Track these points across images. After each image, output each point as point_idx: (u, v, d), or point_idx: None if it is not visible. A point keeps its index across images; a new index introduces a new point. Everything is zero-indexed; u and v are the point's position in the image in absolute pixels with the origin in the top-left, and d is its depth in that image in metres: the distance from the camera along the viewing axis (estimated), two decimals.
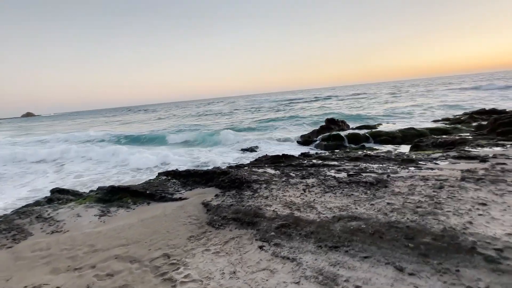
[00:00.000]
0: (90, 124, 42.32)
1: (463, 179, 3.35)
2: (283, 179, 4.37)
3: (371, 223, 2.40)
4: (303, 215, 2.79)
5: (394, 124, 16.55)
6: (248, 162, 8.03)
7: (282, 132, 18.26)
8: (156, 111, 67.60)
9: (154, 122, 34.99)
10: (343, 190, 3.53)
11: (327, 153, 8.03)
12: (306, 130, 17.34)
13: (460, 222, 2.27)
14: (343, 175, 4.47)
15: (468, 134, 9.31)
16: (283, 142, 15.22)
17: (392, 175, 4.01)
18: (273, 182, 4.23)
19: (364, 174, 4.33)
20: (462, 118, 14.01)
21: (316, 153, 9.73)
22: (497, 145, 6.33)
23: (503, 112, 14.16)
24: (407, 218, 2.34)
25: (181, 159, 11.84)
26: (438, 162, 5.00)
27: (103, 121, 47.83)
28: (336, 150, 10.14)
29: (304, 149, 12.94)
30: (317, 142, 13.74)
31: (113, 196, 5.57)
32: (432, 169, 4.39)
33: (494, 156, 5.07)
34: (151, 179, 6.70)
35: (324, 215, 2.69)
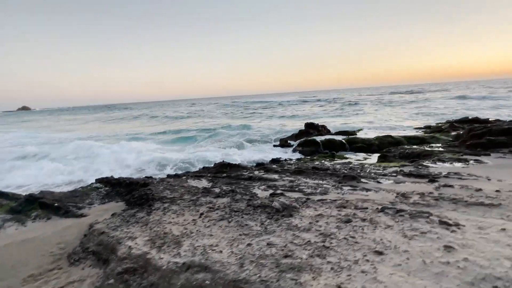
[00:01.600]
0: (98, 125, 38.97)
1: (382, 210, 2.72)
2: (195, 197, 3.72)
3: (216, 279, 1.77)
4: (156, 257, 2.15)
5: (376, 130, 16.00)
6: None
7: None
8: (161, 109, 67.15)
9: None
10: (243, 217, 2.89)
11: (282, 162, 7.39)
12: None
13: (329, 284, 1.64)
14: (265, 194, 3.84)
15: (440, 145, 8.73)
16: (262, 145, 14.60)
17: (312, 197, 3.39)
18: (179, 201, 3.59)
19: (288, 194, 3.71)
20: (443, 127, 13.47)
21: (285, 159, 9.11)
22: (459, 160, 5.73)
23: (485, 121, 13.66)
24: (259, 276, 1.71)
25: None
26: (382, 180, 4.39)
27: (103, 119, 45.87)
28: (303, 157, 9.50)
29: (278, 153, 12.33)
30: (294, 146, 13.16)
31: (25, 207, 4.91)
32: (367, 190, 3.77)
33: (447, 175, 4.46)
34: (82, 187, 6.05)
35: (175, 261, 2.05)
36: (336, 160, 8.35)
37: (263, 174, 5.20)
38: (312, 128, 15.38)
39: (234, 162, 7.49)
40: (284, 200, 3.00)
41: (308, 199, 3.32)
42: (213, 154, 10.82)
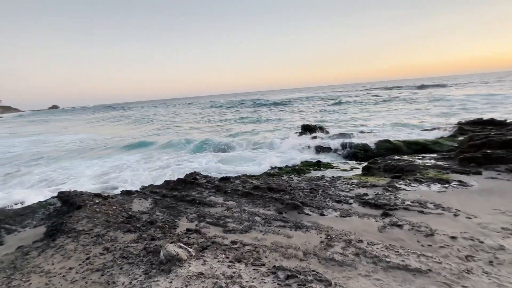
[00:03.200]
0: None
1: (275, 272, 2.18)
2: (105, 231, 3.35)
3: None
4: None
5: (379, 132, 14.90)
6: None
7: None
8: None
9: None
10: (122, 268, 2.47)
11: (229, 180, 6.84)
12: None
13: None
14: (184, 227, 3.39)
15: (436, 155, 7.74)
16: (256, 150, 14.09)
17: (228, 236, 2.89)
18: (83, 236, 3.22)
19: (204, 230, 3.23)
20: (449, 130, 12.18)
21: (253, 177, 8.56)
22: (440, 181, 4.90)
23: (501, 123, 12.22)
24: None
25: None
26: (329, 211, 3.76)
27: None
28: (276, 168, 8.85)
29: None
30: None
31: None
32: (298, 228, 3.18)
33: (407, 207, 3.74)
34: (40, 201, 5.92)
35: None
36: (312, 173, 7.69)
37: (211, 195, 4.73)
38: (308, 130, 14.62)
39: (205, 173, 7.10)
40: (173, 248, 2.54)
41: (214, 242, 2.82)
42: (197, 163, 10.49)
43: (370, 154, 10.65)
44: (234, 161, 10.02)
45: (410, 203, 3.89)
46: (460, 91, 38.72)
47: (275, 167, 9.10)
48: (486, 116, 13.41)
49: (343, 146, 11.46)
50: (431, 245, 2.68)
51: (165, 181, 6.35)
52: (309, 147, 11.77)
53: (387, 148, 10.78)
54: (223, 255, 2.53)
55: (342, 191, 4.97)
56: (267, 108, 37.12)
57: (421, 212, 3.57)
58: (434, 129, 13.48)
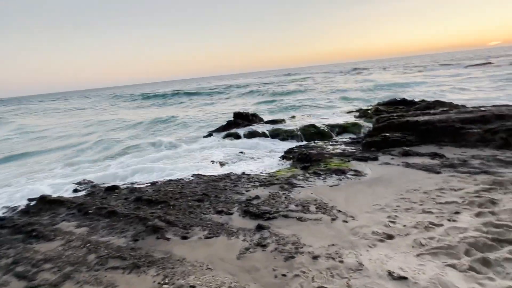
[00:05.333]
0: None
1: None
2: None
3: None
4: None
5: (309, 116, 15.01)
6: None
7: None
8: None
9: None
10: None
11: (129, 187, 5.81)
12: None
13: None
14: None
15: (348, 139, 7.78)
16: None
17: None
18: None
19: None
20: (369, 111, 12.76)
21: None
22: (337, 172, 4.63)
23: (411, 103, 13.17)
24: None
25: None
26: (192, 233, 3.06)
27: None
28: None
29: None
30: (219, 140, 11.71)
31: None
32: (132, 270, 2.41)
33: (287, 214, 3.26)
34: None
35: None
36: (230, 166, 7.04)
37: (64, 220, 3.64)
38: (241, 118, 13.90)
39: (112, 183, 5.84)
40: None
41: None
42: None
43: (298, 140, 10.51)
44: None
45: (294, 206, 3.42)
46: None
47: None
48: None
49: (272, 132, 11.12)
50: (285, 275, 2.16)
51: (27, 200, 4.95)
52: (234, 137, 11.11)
53: (312, 133, 10.69)
54: None
55: (238, 193, 4.35)
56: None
57: (300, 219, 3.10)
58: (357, 110, 14.04)
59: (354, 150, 6.31)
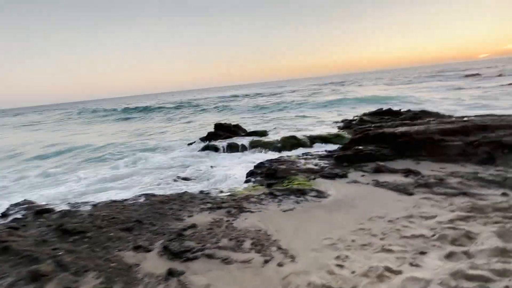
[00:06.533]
0: None
1: None
2: None
3: None
4: None
5: (294, 127, 14.44)
6: None
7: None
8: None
9: None
10: None
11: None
12: None
13: None
14: None
15: (325, 152, 7.16)
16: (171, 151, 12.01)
17: None
18: None
19: None
20: (353, 122, 12.24)
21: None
22: (297, 193, 3.97)
23: (397, 113, 12.67)
24: None
25: None
26: None
27: None
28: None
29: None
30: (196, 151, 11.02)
31: None
32: None
33: (212, 254, 2.57)
34: None
35: None
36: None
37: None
38: (222, 130, 13.28)
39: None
40: None
41: None
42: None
43: (276, 151, 9.89)
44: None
45: (227, 241, 2.72)
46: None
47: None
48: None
49: (251, 144, 10.49)
50: None
51: None
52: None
53: (292, 144, 10.09)
54: None
55: (178, 219, 3.64)
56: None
57: (226, 260, 2.41)
58: (342, 121, 13.52)
59: (327, 165, 5.66)
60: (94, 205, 4.81)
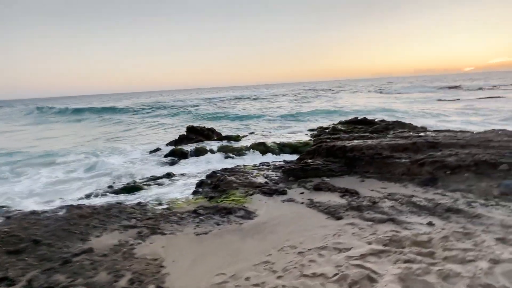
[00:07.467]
0: None
1: None
2: None
3: None
4: None
5: (269, 133, 14.15)
6: None
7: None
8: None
9: None
10: None
11: None
12: None
13: None
14: None
15: (281, 163, 6.85)
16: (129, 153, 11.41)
17: None
18: None
19: None
20: (326, 130, 12.04)
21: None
22: (224, 211, 3.62)
23: (371, 122, 12.54)
24: None
25: None
26: None
27: None
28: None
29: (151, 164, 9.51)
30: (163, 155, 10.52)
31: None
32: None
33: None
34: None
35: None
36: (148, 189, 5.87)
37: None
38: (194, 133, 12.84)
39: None
40: None
41: None
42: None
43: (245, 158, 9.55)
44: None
45: (103, 276, 2.31)
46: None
47: (110, 186, 7.00)
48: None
49: (219, 151, 10.10)
50: None
51: None
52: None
53: (262, 151, 9.77)
54: None
55: (82, 240, 3.21)
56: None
57: None
58: (317, 129, 13.32)
59: (277, 178, 5.34)
60: (8, 217, 4.32)
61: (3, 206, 5.25)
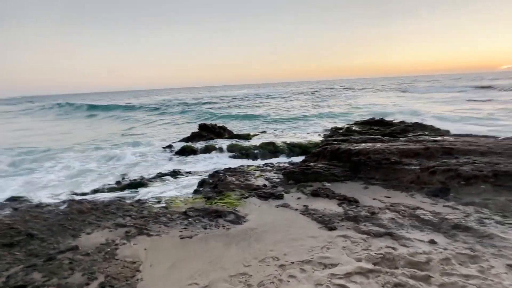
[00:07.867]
0: None
1: None
2: None
3: None
4: None
5: (281, 132, 13.89)
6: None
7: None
8: None
9: None
10: None
11: None
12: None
13: None
14: None
15: (287, 164, 6.61)
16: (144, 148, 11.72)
17: None
18: None
19: None
20: (340, 131, 11.55)
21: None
22: (216, 214, 3.50)
23: (388, 123, 11.89)
24: None
25: None
26: None
27: None
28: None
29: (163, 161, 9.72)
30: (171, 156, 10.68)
31: None
32: None
33: None
34: None
35: None
36: (150, 186, 5.93)
37: None
38: (206, 131, 12.91)
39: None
40: None
41: None
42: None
43: (252, 158, 9.44)
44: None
45: (77, 277, 2.29)
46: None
47: (118, 181, 7.18)
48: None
49: (228, 150, 10.06)
50: None
51: None
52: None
53: (270, 150, 9.60)
54: None
55: (73, 236, 3.26)
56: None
57: None
58: (331, 129, 12.84)
59: (278, 180, 5.14)
60: (15, 209, 4.52)
61: (17, 197, 5.54)
